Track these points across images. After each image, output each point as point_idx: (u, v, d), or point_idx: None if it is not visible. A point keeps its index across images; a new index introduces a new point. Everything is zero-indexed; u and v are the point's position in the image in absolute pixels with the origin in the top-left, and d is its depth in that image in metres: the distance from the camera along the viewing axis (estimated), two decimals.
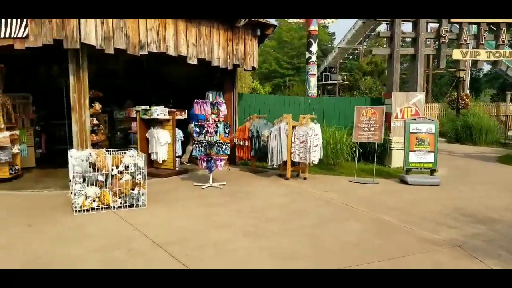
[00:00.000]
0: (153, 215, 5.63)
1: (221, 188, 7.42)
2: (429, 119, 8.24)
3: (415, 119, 8.25)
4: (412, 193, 7.31)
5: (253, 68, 9.50)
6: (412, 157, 8.18)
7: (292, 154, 8.02)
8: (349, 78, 36.97)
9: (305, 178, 8.33)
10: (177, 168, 8.80)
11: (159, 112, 8.57)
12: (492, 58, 10.75)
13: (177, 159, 8.94)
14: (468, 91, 23.32)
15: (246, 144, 8.91)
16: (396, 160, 10.28)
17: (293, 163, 8.33)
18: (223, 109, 7.47)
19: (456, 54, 10.75)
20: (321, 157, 8.49)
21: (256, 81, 34.40)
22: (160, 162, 8.72)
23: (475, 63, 11.01)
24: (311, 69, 16.25)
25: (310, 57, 16.86)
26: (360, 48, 41.08)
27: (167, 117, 8.68)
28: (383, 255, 4.18)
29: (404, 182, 8.14)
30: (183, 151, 9.73)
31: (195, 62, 8.07)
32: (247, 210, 5.94)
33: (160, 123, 8.78)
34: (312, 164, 8.05)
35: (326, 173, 9.19)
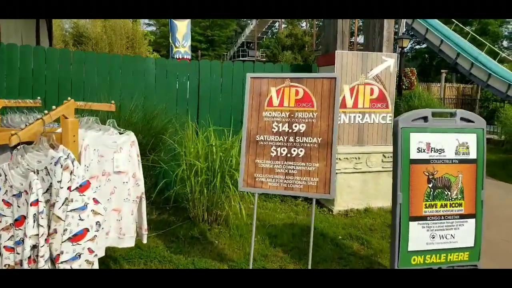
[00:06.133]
0: None
1: None
2: (461, 118, 2.66)
3: (424, 119, 2.62)
4: None
5: None
6: (418, 235, 2.61)
7: None
8: (268, 54, 31.47)
9: None
10: None
11: None
12: None
13: None
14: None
15: None
16: (345, 196, 4.74)
17: None
18: None
19: None
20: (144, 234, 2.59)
21: (157, 54, 27.39)
22: None
23: None
24: None
25: None
26: (279, 21, 35.80)
27: None
28: None
29: None
30: None
31: None
32: None
33: None
34: None
35: None
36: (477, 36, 20.14)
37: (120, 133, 2.48)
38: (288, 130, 2.42)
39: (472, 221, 2.63)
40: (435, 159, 2.56)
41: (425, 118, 2.57)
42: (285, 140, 2.43)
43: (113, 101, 2.59)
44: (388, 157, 4.89)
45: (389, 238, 4.04)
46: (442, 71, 19.30)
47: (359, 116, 4.86)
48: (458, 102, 20.38)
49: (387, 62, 4.80)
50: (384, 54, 4.83)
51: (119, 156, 2.31)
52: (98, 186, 2.23)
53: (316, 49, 30.41)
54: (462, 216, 2.62)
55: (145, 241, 2.62)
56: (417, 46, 32.56)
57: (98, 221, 1.85)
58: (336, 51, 4.72)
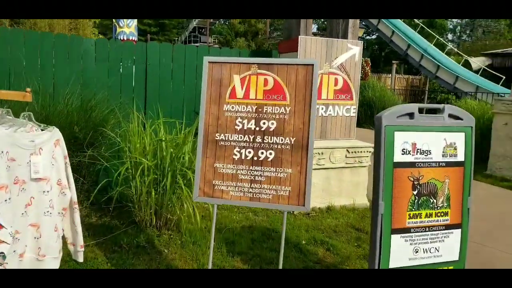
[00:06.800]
0: None
1: None
2: (449, 114, 2.36)
3: (410, 115, 2.29)
4: None
5: None
6: (400, 249, 2.31)
7: None
8: (220, 40, 30.62)
9: None
10: None
11: None
12: None
13: None
14: None
15: None
16: (314, 193, 4.42)
17: None
18: None
19: None
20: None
21: (103, 36, 25.55)
22: None
23: None
24: None
25: None
26: None
27: None
28: None
29: None
30: None
31: None
32: None
33: None
34: None
35: None
36: (426, 28, 20.76)
37: (42, 130, 1.91)
38: (255, 128, 1.96)
39: (457, 232, 2.35)
40: (421, 162, 2.23)
41: (411, 115, 2.23)
42: (251, 140, 1.96)
43: (28, 89, 1.98)
44: (352, 152, 4.63)
45: (356, 241, 3.79)
46: (393, 62, 19.73)
47: (322, 108, 4.53)
48: (408, 93, 21.02)
49: (352, 50, 4.49)
50: (350, 42, 4.51)
51: (38, 159, 1.77)
52: (8, 198, 1.68)
53: (270, 36, 30.07)
54: (448, 227, 2.33)
55: (81, 260, 2.10)
56: (368, 37, 33.25)
57: (1, 252, 1.32)
58: (299, 36, 4.32)
